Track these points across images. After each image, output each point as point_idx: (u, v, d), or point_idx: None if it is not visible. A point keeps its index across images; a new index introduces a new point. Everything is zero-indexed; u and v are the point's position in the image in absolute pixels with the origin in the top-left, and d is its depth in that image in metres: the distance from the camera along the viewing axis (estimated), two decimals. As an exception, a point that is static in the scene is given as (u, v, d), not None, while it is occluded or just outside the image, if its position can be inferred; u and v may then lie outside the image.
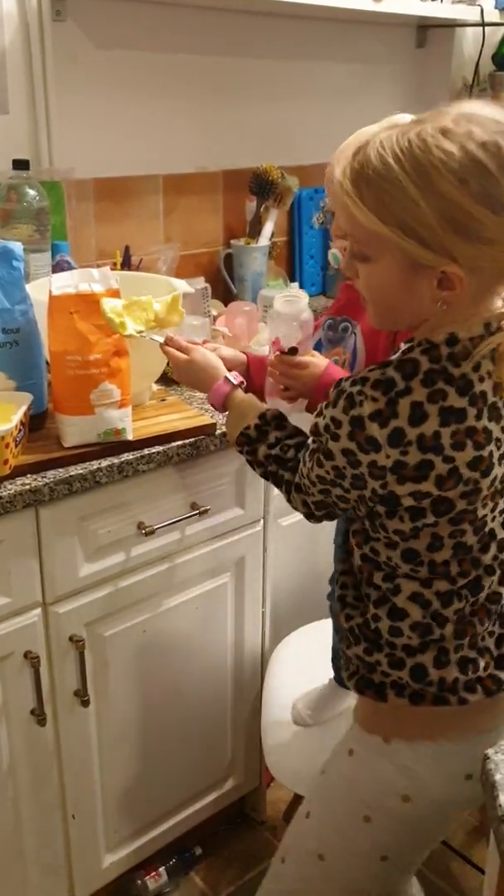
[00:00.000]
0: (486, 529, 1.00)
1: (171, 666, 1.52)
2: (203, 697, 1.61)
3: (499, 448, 0.95)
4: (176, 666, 1.52)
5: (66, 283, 1.21)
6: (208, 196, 2.06)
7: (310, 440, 1.05)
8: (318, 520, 1.12)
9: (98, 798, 1.49)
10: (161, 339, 1.27)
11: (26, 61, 1.66)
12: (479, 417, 0.92)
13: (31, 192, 1.58)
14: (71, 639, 1.32)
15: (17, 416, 1.20)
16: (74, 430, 1.26)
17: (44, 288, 1.24)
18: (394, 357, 0.96)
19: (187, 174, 2.00)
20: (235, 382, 1.21)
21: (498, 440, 0.95)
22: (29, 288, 1.27)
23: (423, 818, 1.07)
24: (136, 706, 1.49)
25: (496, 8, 2.32)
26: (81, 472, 1.24)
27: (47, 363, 1.30)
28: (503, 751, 0.83)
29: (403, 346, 0.98)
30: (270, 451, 1.13)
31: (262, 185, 2.02)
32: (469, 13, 2.25)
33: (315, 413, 1.01)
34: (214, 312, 1.88)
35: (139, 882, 1.64)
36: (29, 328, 1.27)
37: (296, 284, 1.35)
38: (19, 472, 1.21)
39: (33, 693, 1.30)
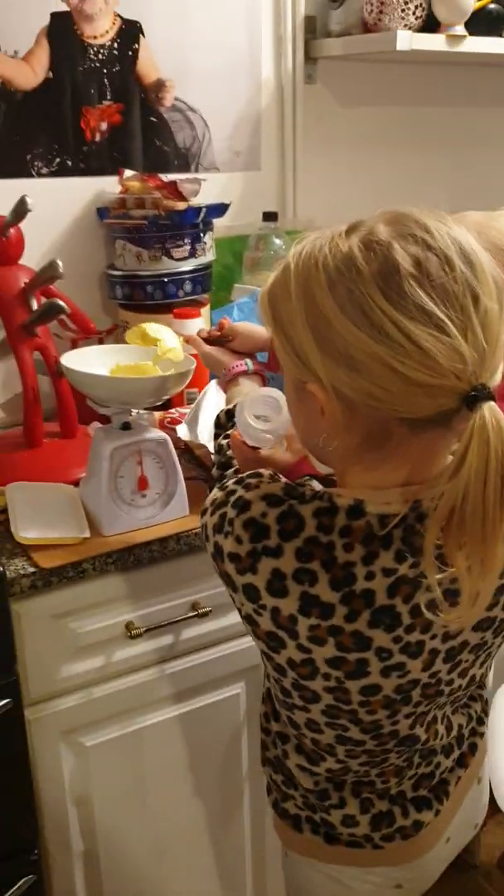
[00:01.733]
0: (386, 731, 0.83)
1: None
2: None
3: (385, 660, 0.77)
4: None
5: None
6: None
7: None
8: None
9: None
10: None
11: (279, 122, 1.78)
12: (350, 619, 0.74)
13: (277, 242, 1.67)
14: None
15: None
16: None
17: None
18: (307, 485, 0.79)
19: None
20: (223, 381, 1.13)
21: (385, 650, 0.76)
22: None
23: None
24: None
25: None
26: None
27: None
28: None
29: (312, 479, 0.84)
30: (223, 441, 1.01)
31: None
32: None
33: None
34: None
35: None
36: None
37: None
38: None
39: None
